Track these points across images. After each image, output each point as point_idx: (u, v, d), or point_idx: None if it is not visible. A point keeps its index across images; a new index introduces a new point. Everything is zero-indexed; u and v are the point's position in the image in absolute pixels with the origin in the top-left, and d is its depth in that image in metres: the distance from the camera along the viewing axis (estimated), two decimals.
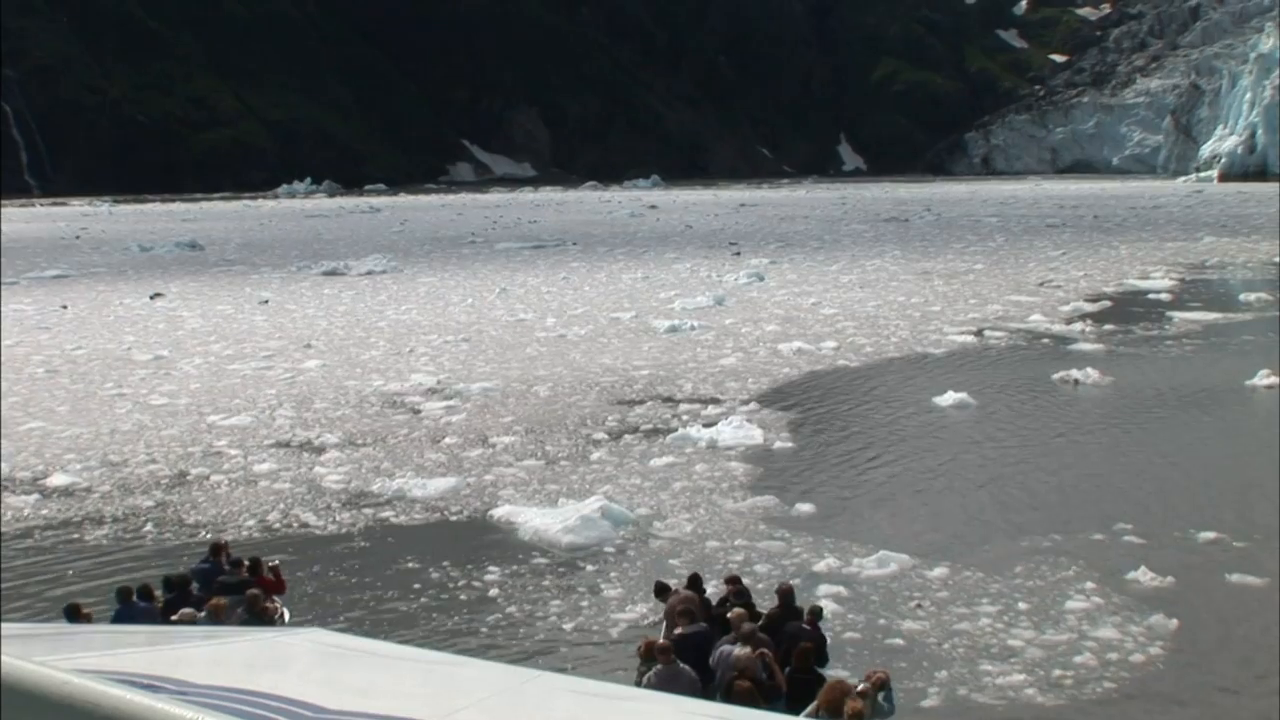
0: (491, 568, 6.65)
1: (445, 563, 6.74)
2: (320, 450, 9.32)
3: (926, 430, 9.94)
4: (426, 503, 7.86)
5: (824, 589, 6.12)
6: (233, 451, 9.27)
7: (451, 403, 11.09)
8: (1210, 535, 7.00)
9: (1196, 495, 7.88)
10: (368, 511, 7.70)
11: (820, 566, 6.50)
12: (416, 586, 6.42)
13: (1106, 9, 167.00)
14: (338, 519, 7.55)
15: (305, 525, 7.43)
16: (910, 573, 6.39)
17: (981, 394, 11.16)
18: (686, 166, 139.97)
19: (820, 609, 5.02)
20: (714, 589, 5.56)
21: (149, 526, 7.44)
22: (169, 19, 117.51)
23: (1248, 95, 77.67)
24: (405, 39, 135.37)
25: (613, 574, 6.50)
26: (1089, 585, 6.18)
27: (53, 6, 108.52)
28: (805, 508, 7.56)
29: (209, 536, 6.91)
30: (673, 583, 5.31)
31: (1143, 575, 6.27)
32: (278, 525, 7.43)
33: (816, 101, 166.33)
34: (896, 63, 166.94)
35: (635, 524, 7.28)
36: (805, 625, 4.74)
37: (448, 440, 9.63)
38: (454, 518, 7.58)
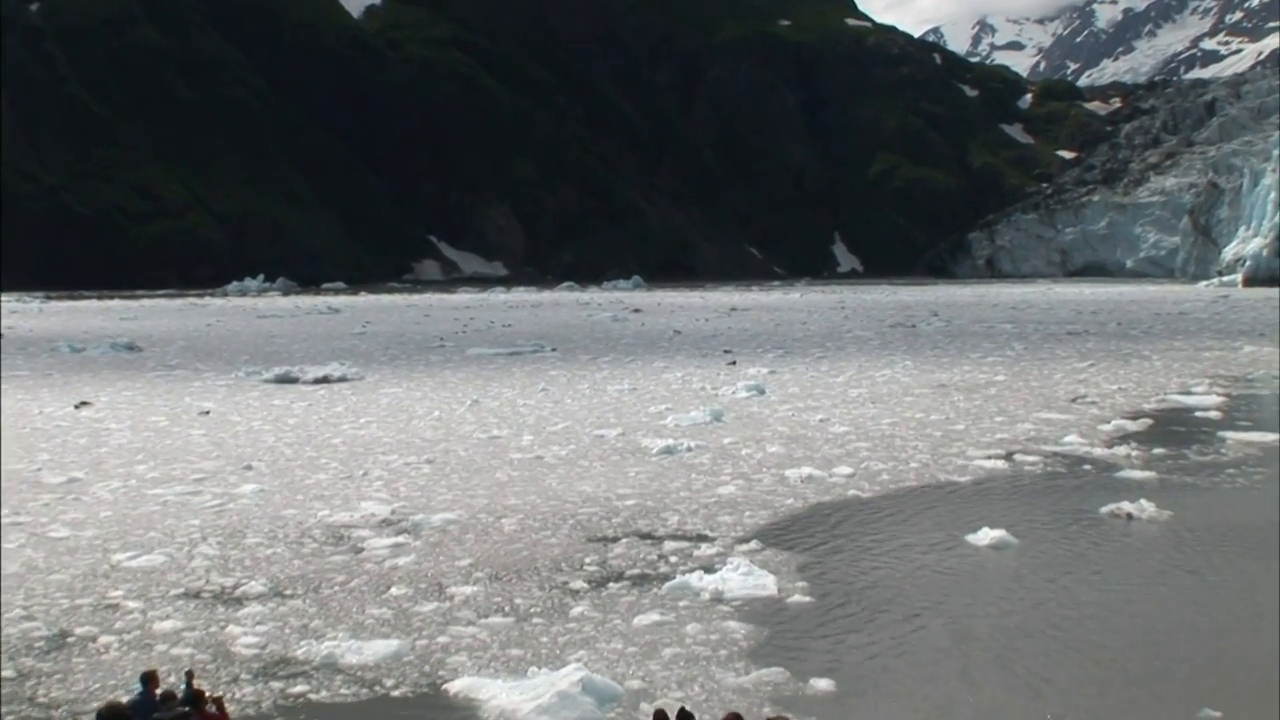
0: None
1: None
2: (239, 601, 8.45)
3: (964, 576, 9.18)
4: (361, 673, 6.97)
5: None
6: (131, 604, 8.37)
7: (403, 539, 10.29)
8: None
9: None
10: (284, 685, 6.77)
11: None
12: None
13: (1117, 104, 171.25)
14: (242, 695, 6.63)
15: None
16: None
17: (1022, 531, 10.44)
18: (670, 266, 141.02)
19: None
20: None
21: None
22: (113, 102, 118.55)
23: (1272, 194, 78.75)
24: (368, 127, 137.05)
25: None
26: None
27: None
28: (823, 685, 6.75)
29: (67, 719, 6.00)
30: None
31: None
32: None
33: (809, 198, 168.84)
34: (894, 158, 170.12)
35: (622, 702, 6.42)
36: None
37: (395, 589, 8.80)
38: (395, 693, 6.70)
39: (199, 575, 9.14)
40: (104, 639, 7.58)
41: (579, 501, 11.83)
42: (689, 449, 14.78)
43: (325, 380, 23.59)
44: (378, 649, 7.30)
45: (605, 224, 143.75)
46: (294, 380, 23.59)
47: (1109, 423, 16.86)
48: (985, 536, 10.13)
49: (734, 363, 26.98)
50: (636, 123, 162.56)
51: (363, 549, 9.95)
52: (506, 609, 8.30)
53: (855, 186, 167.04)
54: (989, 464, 13.75)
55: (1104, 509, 11.29)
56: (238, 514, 11.29)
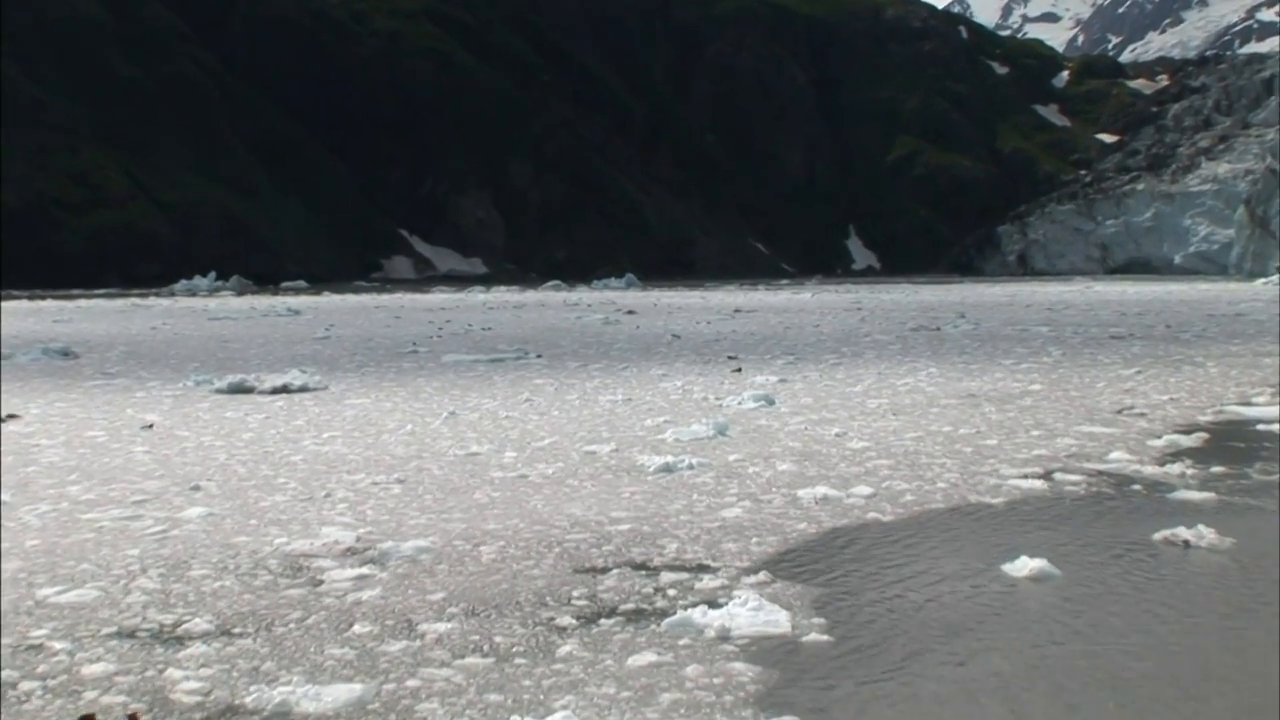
0: None
1: None
2: (180, 641, 8.33)
3: (1002, 613, 9.07)
4: None
5: None
6: (57, 645, 8.23)
7: (369, 570, 10.18)
8: None
9: None
10: None
11: None
12: None
13: (1164, 81, 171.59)
14: None
15: None
16: None
17: (1064, 560, 10.35)
18: (666, 263, 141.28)
19: None
20: None
21: None
22: (47, 81, 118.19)
23: None
24: (332, 108, 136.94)
25: None
26: None
27: None
28: None
29: None
30: None
31: None
32: None
33: (821, 188, 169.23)
34: (916, 142, 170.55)
35: None
36: None
37: (359, 626, 8.68)
38: None
39: (136, 612, 8.99)
40: (25, 685, 7.42)
41: (567, 526, 11.67)
42: (690, 467, 14.63)
43: (284, 390, 23.47)
44: (338, 695, 7.14)
45: (595, 217, 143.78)
46: (249, 390, 23.46)
47: (1160, 437, 16.72)
48: (1023, 567, 9.96)
49: (739, 370, 26.92)
50: (630, 104, 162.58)
51: (323, 581, 9.81)
52: (485, 648, 8.15)
53: (872, 175, 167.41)
54: (1026, 484, 13.61)
55: (1157, 535, 11.14)
56: (182, 541, 11.14)
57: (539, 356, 31.22)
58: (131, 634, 8.51)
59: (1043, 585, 9.71)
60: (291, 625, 8.70)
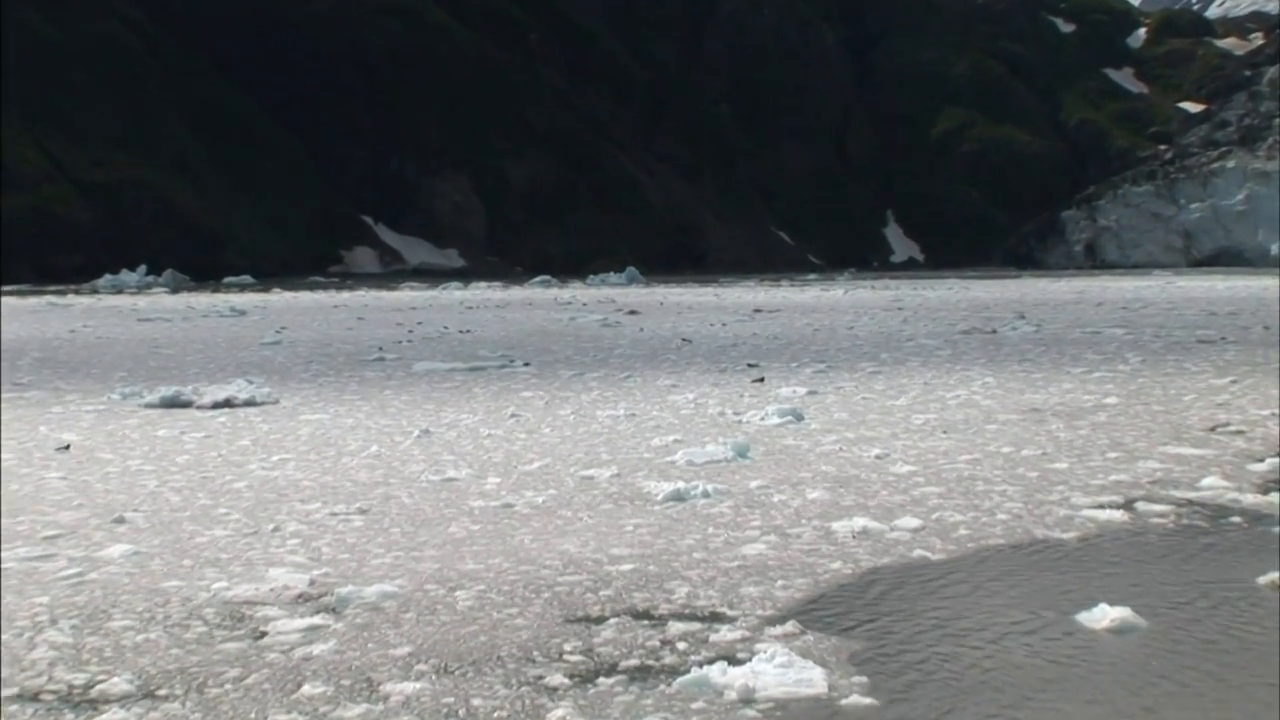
0: None
1: None
2: (94, 705, 8.25)
3: (1075, 671, 8.99)
4: None
5: None
6: None
7: (323, 619, 10.10)
8: None
9: None
10: None
11: None
12: None
13: (1259, 39, 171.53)
14: None
15: None
16: None
17: (1151, 608, 10.22)
18: (674, 255, 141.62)
19: None
20: None
21: None
22: None
23: None
24: (283, 75, 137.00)
25: None
26: None
27: None
28: None
29: None
30: None
31: None
32: None
33: (854, 167, 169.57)
34: (965, 114, 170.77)
35: None
36: None
37: (309, 687, 8.58)
38: None
39: (41, 670, 8.86)
40: None
41: (559, 566, 11.58)
42: (704, 495, 14.54)
43: (227, 404, 23.43)
44: None
45: (591, 201, 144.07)
46: (186, 404, 23.40)
47: (1261, 460, 16.60)
48: (1102, 616, 9.83)
49: (761, 380, 26.90)
50: (631, 70, 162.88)
51: (267, 632, 9.68)
52: (460, 713, 8.03)
53: (914, 152, 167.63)
54: (1102, 515, 13.50)
55: (1262, 579, 11.01)
56: (102, 586, 11.02)
57: (526, 364, 31.19)
58: (35, 696, 8.36)
59: (1126, 639, 9.56)
60: (228, 686, 8.54)
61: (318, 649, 9.28)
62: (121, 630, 9.76)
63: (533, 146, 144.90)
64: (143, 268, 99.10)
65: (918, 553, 12.01)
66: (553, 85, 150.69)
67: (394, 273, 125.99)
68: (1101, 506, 13.88)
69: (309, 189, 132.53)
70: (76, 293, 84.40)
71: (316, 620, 9.96)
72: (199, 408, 23.12)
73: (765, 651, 8.93)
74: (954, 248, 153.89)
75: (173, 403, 23.52)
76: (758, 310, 57.74)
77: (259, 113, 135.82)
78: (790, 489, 15.04)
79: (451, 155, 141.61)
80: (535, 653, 9.19)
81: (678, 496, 14.47)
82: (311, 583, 11.01)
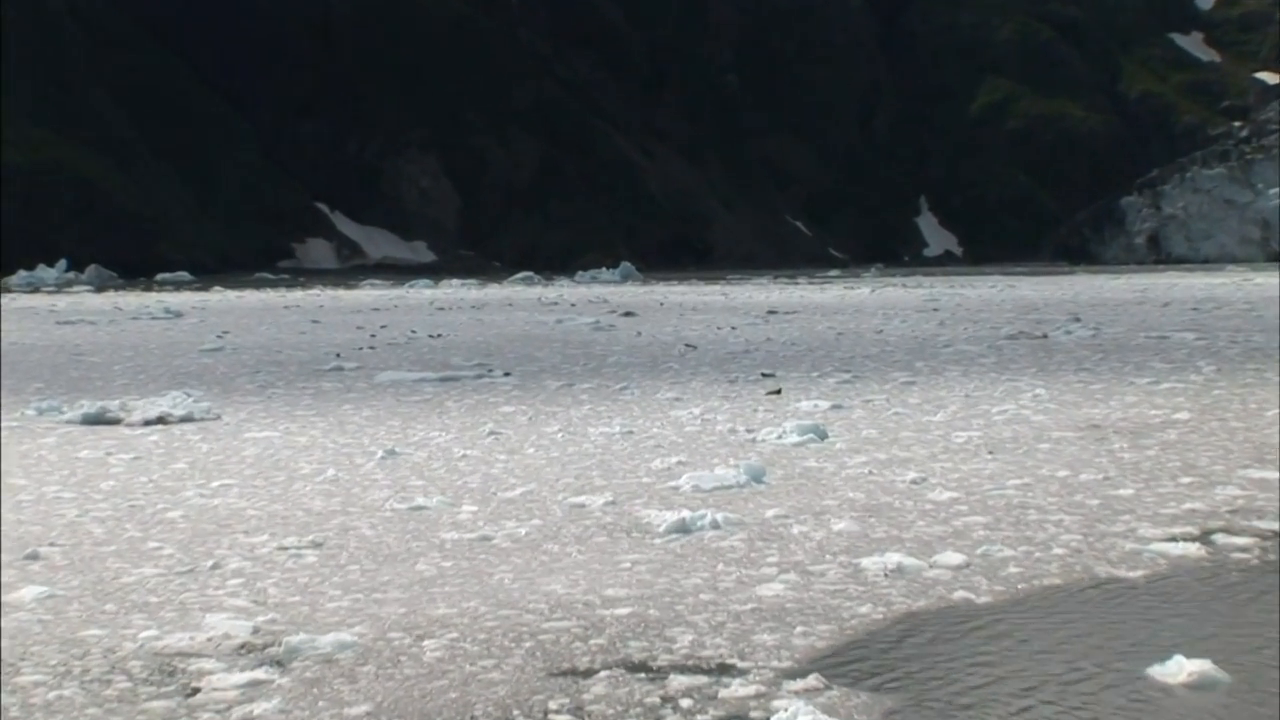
0: None
1: None
2: None
3: None
4: None
5: None
6: None
7: (267, 674, 10.02)
8: None
9: None
10: None
11: None
12: None
13: None
14: None
15: None
16: None
17: (1234, 661, 10.13)
18: (675, 248, 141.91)
19: None
20: None
21: None
22: None
23: None
24: (226, 43, 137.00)
25: None
26: None
27: None
28: None
29: None
30: None
31: None
32: None
33: (882, 147, 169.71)
34: (1010, 85, 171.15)
35: None
36: None
37: None
38: None
39: None
40: None
41: (544, 610, 11.48)
42: (713, 526, 14.44)
43: (160, 421, 23.32)
44: None
45: (579, 187, 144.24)
46: (112, 421, 23.31)
47: None
48: (1178, 670, 9.71)
49: (778, 392, 26.85)
50: (627, 38, 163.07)
51: (200, 689, 9.57)
52: None
53: (951, 129, 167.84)
54: (1175, 550, 13.39)
55: None
56: (10, 634, 10.89)
57: (507, 375, 31.19)
58: None
59: (1206, 696, 9.43)
60: None
61: (260, 708, 9.12)
62: (32, 686, 9.60)
63: (513, 124, 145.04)
64: (63, 263, 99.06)
65: (960, 594, 11.92)
66: (536, 54, 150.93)
67: (353, 269, 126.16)
68: (1173, 539, 13.75)
69: (255, 173, 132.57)
70: None
71: (259, 674, 9.80)
72: (128, 425, 22.98)
73: (783, 710, 8.78)
74: (996, 240, 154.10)
75: (97, 419, 23.37)
76: (772, 312, 57.86)
77: (197, 84, 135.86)
78: (812, 519, 14.94)
79: (419, 134, 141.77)
80: (515, 712, 9.06)
81: (682, 528, 14.37)
82: (255, 630, 10.87)
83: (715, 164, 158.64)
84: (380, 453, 19.35)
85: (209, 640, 10.66)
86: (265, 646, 10.49)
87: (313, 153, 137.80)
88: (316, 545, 13.76)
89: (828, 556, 13.21)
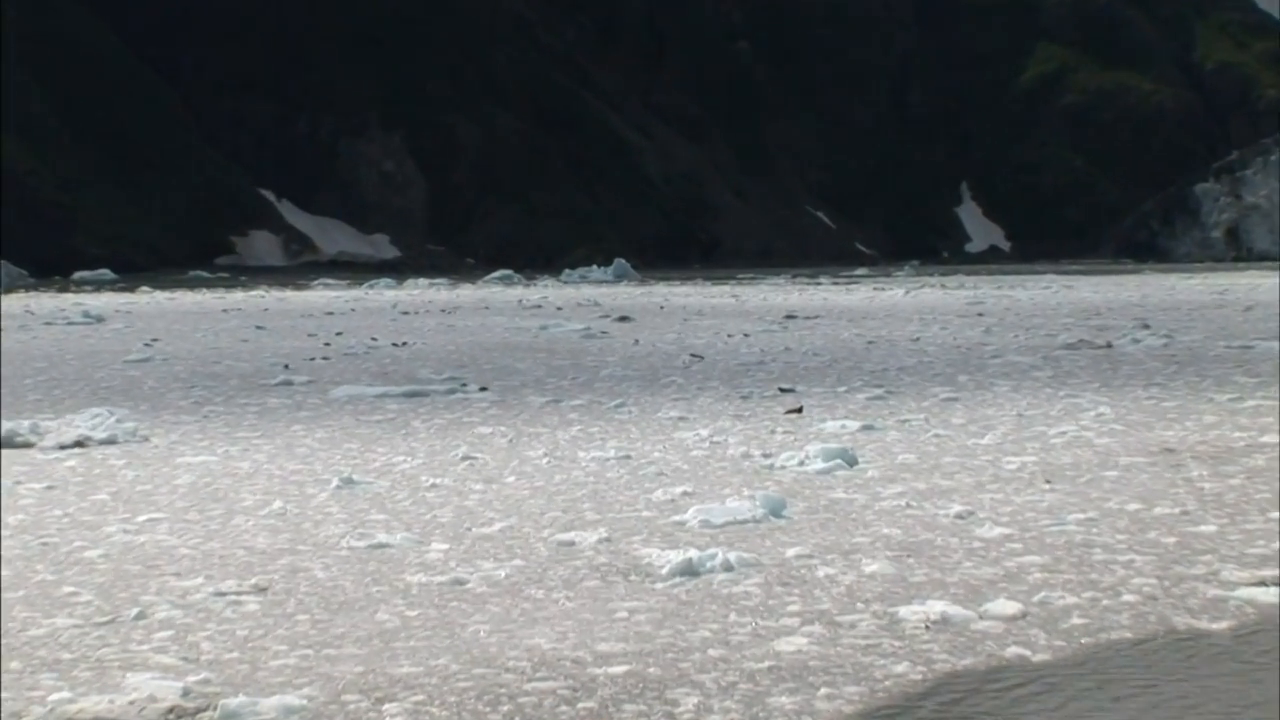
0: None
1: None
2: None
3: None
4: None
5: None
6: None
7: None
8: None
9: None
10: None
11: None
12: None
13: None
14: None
15: None
16: None
17: None
18: (678, 242, 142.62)
19: None
20: None
21: None
22: None
23: None
24: (157, 4, 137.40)
25: None
26: None
27: None
28: None
29: None
30: None
31: None
32: None
33: (918, 125, 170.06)
34: (1064, 54, 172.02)
35: None
36: None
37: None
38: None
39: None
40: None
41: (526, 668, 11.43)
42: (724, 568, 14.37)
43: (79, 445, 23.30)
44: None
45: (567, 171, 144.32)
46: (23, 445, 23.26)
47: None
48: None
49: (799, 411, 26.90)
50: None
51: None
52: None
53: (997, 105, 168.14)
54: (1265, 597, 13.31)
55: None
56: None
57: (483, 390, 31.25)
58: None
59: None
60: None
61: None
62: None
63: (490, 98, 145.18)
64: None
65: (1014, 650, 11.82)
66: (515, 17, 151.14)
67: (304, 266, 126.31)
68: (1263, 583, 13.68)
69: (189, 156, 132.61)
70: None
71: None
72: (40, 449, 22.90)
73: None
74: (1050, 233, 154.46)
75: (5, 443, 23.28)
76: (791, 316, 58.36)
77: (124, 54, 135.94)
78: (841, 560, 14.87)
79: (381, 110, 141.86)
80: None
81: (688, 570, 14.28)
82: (186, 692, 10.75)
83: (724, 145, 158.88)
84: (335, 481, 19.29)
85: (131, 704, 10.53)
86: (198, 711, 10.38)
87: (258, 133, 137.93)
88: (259, 590, 13.68)
89: (859, 605, 13.12)
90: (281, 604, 13.28)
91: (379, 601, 13.32)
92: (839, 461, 20.26)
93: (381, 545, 15.56)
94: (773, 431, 24.19)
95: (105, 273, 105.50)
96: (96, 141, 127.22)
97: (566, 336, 47.76)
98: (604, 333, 49.12)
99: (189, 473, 20.47)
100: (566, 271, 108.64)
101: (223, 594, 13.54)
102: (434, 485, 19.18)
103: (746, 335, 47.70)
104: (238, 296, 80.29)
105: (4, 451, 22.84)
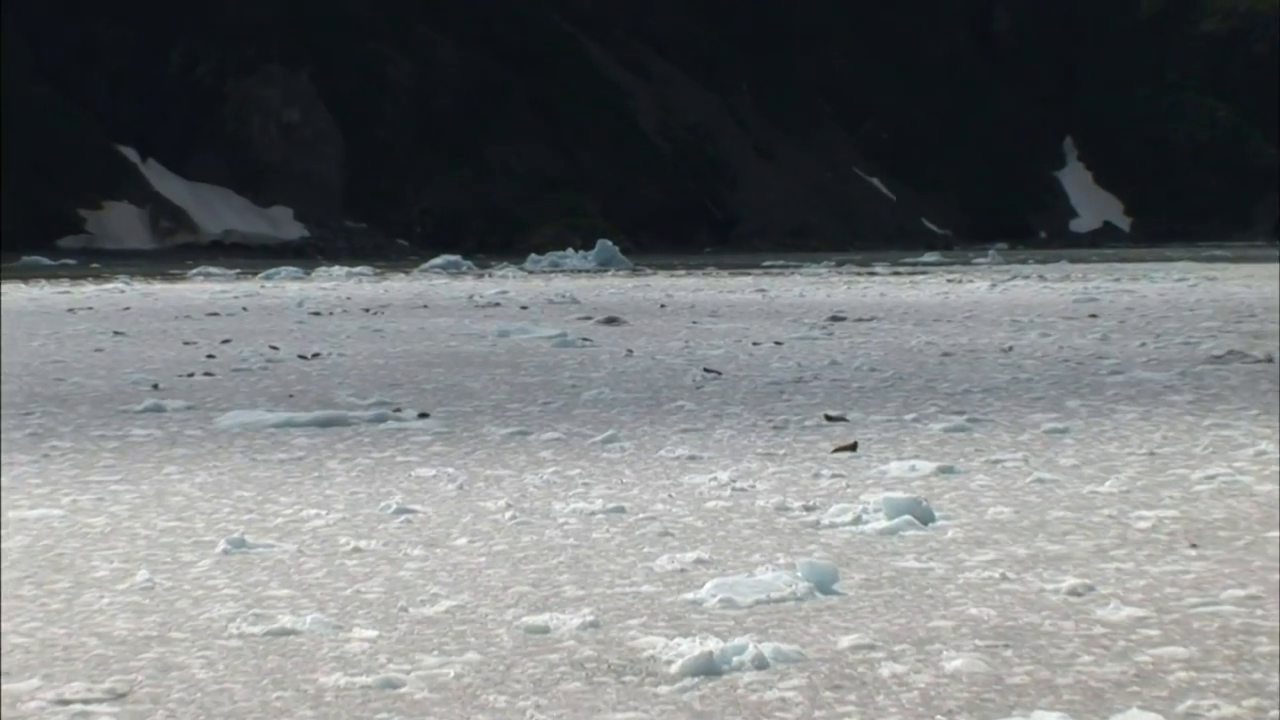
0: None
1: None
2: None
3: None
4: None
5: None
6: None
7: None
8: None
9: None
10: None
11: None
12: None
13: None
14: None
15: None
16: None
17: None
18: (684, 217, 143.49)
19: None
20: None
21: None
22: None
23: None
24: None
25: None
26: None
27: None
28: None
29: None
30: None
31: None
32: None
33: (1006, 61, 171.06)
34: None
35: None
36: None
37: None
38: None
39: None
40: None
41: None
42: (756, 664, 14.16)
43: None
44: None
45: (534, 122, 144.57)
46: None
47: None
48: None
49: (852, 447, 26.87)
50: None
51: None
52: None
53: (1111, 38, 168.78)
54: None
55: None
56: None
57: (423, 416, 31.38)
58: None
59: None
60: None
61: None
62: None
63: (428, 23, 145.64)
64: None
65: None
66: None
67: (178, 249, 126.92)
68: None
69: (24, 103, 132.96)
70: None
71: None
72: None
73: None
74: (1184, 207, 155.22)
75: None
76: (837, 318, 58.64)
77: None
78: (913, 653, 14.65)
79: (282, 42, 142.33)
80: None
81: (706, 668, 14.01)
82: None
83: (744, 89, 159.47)
84: (222, 544, 19.08)
85: None
86: None
87: (114, 72, 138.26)
88: (117, 696, 13.44)
89: (938, 717, 12.92)
90: (147, 715, 13.11)
91: (280, 713, 13.04)
92: (908, 517, 20.11)
93: (285, 632, 15.39)
94: (817, 475, 24.08)
95: None
96: None
97: (535, 346, 47.77)
98: (585, 340, 49.15)
99: (22, 533, 20.27)
100: (533, 257, 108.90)
101: (66, 702, 13.24)
102: (356, 549, 18.98)
103: (778, 344, 47.78)
104: (88, 291, 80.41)
105: None
